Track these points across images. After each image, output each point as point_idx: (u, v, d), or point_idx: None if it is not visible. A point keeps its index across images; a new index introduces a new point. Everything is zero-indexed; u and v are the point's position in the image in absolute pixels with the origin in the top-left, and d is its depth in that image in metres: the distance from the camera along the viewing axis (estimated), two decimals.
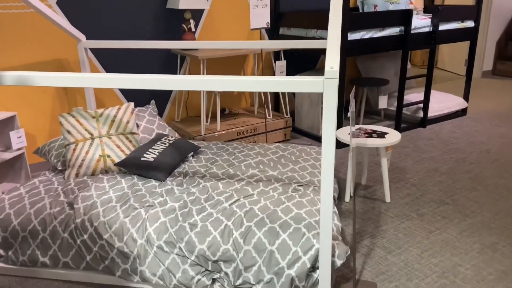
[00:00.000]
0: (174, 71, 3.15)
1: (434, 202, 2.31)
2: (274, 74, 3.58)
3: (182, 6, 2.79)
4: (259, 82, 1.30)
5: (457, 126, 3.57)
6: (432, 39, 3.35)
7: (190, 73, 3.22)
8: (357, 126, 2.43)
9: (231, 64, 3.40)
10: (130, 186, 1.86)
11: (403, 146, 3.16)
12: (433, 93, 3.94)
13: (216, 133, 2.95)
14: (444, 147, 3.11)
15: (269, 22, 2.87)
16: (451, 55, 5.85)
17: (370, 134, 2.30)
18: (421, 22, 3.27)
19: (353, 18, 2.88)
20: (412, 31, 3.23)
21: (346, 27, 2.86)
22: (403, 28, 3.17)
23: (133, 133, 2.14)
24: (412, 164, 2.83)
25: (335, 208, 1.81)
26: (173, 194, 1.79)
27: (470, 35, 3.63)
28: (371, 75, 3.97)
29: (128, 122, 2.14)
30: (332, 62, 1.28)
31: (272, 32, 3.55)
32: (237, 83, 1.31)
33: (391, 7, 3.77)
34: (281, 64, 3.10)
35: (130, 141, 2.11)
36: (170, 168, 1.98)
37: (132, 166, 1.94)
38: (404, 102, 3.69)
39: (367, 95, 4.09)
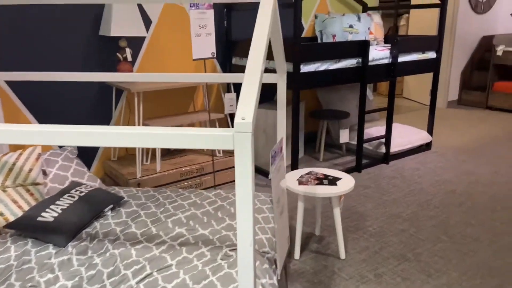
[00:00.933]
0: (109, 106, 2.81)
1: (394, 258, 2.03)
2: None
3: (114, 33, 2.49)
4: (141, 136, 0.99)
5: (421, 162, 3.36)
6: (392, 71, 3.16)
7: (128, 108, 2.90)
8: (307, 170, 2.15)
9: (179, 96, 3.10)
10: (19, 256, 1.48)
11: (364, 186, 2.90)
12: (396, 126, 3.74)
13: (155, 175, 2.61)
14: (407, 187, 2.87)
15: (215, 52, 2.60)
16: (417, 85, 5.77)
17: (321, 180, 2.01)
18: (379, 54, 3.09)
19: (306, 49, 2.65)
20: (370, 63, 3.03)
21: (299, 58, 2.62)
22: (360, 59, 2.97)
23: (36, 184, 1.78)
24: (373, 208, 2.56)
25: (275, 279, 1.50)
26: (68, 268, 1.43)
27: (432, 67, 3.47)
28: (332, 107, 3.75)
29: (30, 170, 1.78)
30: (245, 111, 0.99)
31: (225, 61, 3.30)
32: (101, 138, 0.99)
33: (351, 37, 3.60)
34: (230, 97, 2.82)
35: (32, 194, 1.75)
36: (76, 229, 1.62)
37: (26, 228, 1.57)
38: (366, 137, 3.46)
39: (328, 128, 3.86)
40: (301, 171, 2.13)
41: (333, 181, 2.01)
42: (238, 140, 0.97)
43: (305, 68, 2.69)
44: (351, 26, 3.60)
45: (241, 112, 0.98)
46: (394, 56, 3.14)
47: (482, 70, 5.45)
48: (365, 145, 3.46)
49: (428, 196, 2.73)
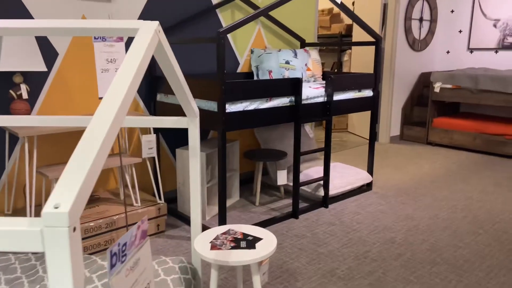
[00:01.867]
0: (2, 154, 2.40)
1: None
2: None
3: (4, 67, 2.13)
4: None
5: (361, 205, 3.17)
6: (328, 110, 3.00)
7: (29, 153, 2.49)
8: (225, 228, 1.85)
9: None
10: None
11: (299, 236, 2.65)
12: (336, 166, 3.57)
13: None
14: (345, 236, 2.65)
15: None
16: (360, 120, 5.75)
17: (238, 242, 1.72)
18: (314, 92, 2.92)
19: (232, 87, 2.42)
20: (304, 101, 2.86)
21: (223, 97, 2.38)
22: (293, 98, 2.79)
23: None
24: (306, 264, 2.29)
25: None
26: None
27: (369, 105, 3.37)
28: (271, 146, 3.53)
29: None
30: (64, 194, 0.69)
31: (148, 98, 3.00)
32: None
33: (287, 73, 3.44)
34: (149, 139, 2.51)
35: None
36: None
37: None
38: (305, 178, 3.25)
39: (267, 168, 3.62)
40: (218, 230, 1.83)
41: (252, 243, 1.72)
42: (48, 238, 0.66)
43: (231, 108, 2.45)
44: (287, 62, 3.45)
45: (55, 197, 0.68)
46: (329, 94, 2.99)
47: (422, 106, 5.53)
48: (304, 187, 3.24)
49: (366, 246, 2.52)
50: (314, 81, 3.63)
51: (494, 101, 4.62)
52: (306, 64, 3.56)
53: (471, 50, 5.47)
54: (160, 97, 2.93)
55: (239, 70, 3.56)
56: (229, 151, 3.25)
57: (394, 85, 5.29)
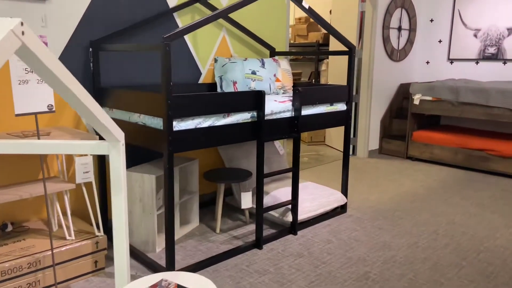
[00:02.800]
0: None
1: None
2: None
3: None
4: None
5: (334, 231, 2.86)
6: (295, 126, 2.70)
7: None
8: (158, 277, 1.51)
9: (21, 159, 2.37)
10: None
11: (261, 272, 2.31)
12: (307, 186, 3.25)
13: None
14: (312, 271, 2.32)
15: (53, 103, 1.95)
16: (338, 133, 5.48)
17: None
18: (279, 106, 2.61)
19: (180, 102, 2.08)
20: (269, 117, 2.54)
21: (170, 113, 2.04)
22: (255, 113, 2.47)
23: None
24: None
25: None
26: None
27: (342, 120, 3.08)
28: (236, 164, 3.20)
29: None
30: None
31: None
32: None
33: (253, 85, 3.13)
34: (84, 162, 2.16)
35: None
36: None
37: None
38: (273, 201, 2.92)
39: (232, 189, 3.28)
40: (148, 281, 1.48)
41: None
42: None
43: (180, 125, 2.12)
44: (253, 72, 3.15)
45: None
46: (296, 108, 2.69)
47: (402, 118, 5.30)
48: (271, 212, 2.91)
49: (336, 284, 2.19)
50: (283, 93, 3.33)
51: (476, 114, 4.41)
52: (275, 75, 3.26)
53: (451, 61, 5.28)
54: (105, 111, 2.57)
55: (201, 81, 3.23)
56: (187, 171, 2.90)
57: (373, 97, 5.04)
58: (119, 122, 2.42)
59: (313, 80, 6.63)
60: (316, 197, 3.05)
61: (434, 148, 4.74)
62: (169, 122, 2.04)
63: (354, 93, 5.06)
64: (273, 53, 3.60)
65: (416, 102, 4.83)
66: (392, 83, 5.29)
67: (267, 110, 2.53)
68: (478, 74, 5.06)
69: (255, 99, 2.43)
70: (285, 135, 2.64)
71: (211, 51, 3.26)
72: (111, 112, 2.51)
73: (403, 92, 5.45)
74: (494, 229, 2.93)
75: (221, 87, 3.17)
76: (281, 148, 3.55)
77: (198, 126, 2.20)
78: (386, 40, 5.00)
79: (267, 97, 2.78)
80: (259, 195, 2.55)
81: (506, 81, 4.77)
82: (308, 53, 3.31)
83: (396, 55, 5.21)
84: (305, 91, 2.72)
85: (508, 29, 4.72)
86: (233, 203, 3.34)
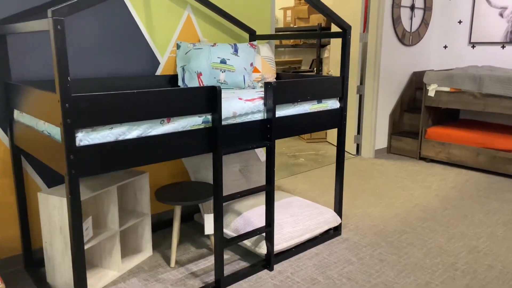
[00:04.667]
0: None
1: None
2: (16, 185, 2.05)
3: None
4: None
5: (322, 265, 2.24)
6: (268, 132, 2.06)
7: None
8: None
9: None
10: None
11: None
12: (292, 204, 2.61)
13: None
14: None
15: None
16: None
17: None
18: (245, 106, 1.98)
19: (85, 105, 1.46)
20: (231, 121, 1.91)
21: (70, 122, 1.43)
22: (209, 117, 1.84)
23: None
24: None
25: None
26: None
27: (334, 121, 2.43)
28: (203, 176, 2.59)
29: None
30: None
31: (5, 115, 2.05)
32: None
33: (223, 76, 2.50)
34: None
35: None
36: None
37: None
38: (244, 225, 2.31)
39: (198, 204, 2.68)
40: None
41: None
42: None
43: (90, 138, 1.50)
44: (223, 61, 2.51)
45: None
46: (269, 108, 2.05)
47: (414, 112, 4.59)
48: (245, 241, 2.29)
49: None
50: (261, 86, 2.69)
51: (502, 108, 3.68)
52: (251, 64, 2.62)
53: (473, 45, 4.52)
54: (16, 114, 1.98)
55: (159, 72, 2.61)
56: (135, 187, 2.30)
57: (380, 87, 4.35)
58: (26, 131, 1.83)
59: (315, 69, 5.94)
60: (301, 218, 2.41)
61: (452, 148, 4.04)
62: (68, 133, 1.43)
63: (358, 83, 4.37)
64: (253, 36, 2.95)
65: (431, 93, 4.11)
66: (403, 71, 4.58)
67: (228, 111, 1.90)
68: (505, 60, 4.30)
69: (208, 98, 1.80)
70: (253, 145, 2.01)
71: (172, 35, 2.63)
72: (21, 116, 1.91)
73: (416, 81, 4.72)
74: None
75: (183, 80, 2.55)
76: (263, 154, 2.92)
77: (120, 138, 1.58)
78: (396, 21, 4.28)
79: (232, 94, 2.15)
80: (217, 224, 1.94)
81: None
82: (295, 36, 2.64)
83: (408, 38, 4.48)
84: (280, 85, 2.07)
85: None
86: (200, 221, 2.74)
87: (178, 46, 2.59)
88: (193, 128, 1.79)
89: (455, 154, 4.02)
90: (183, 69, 2.55)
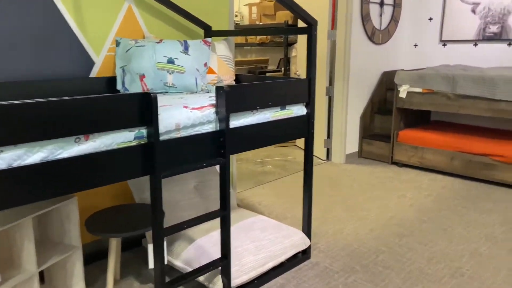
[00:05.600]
0: None
1: None
2: None
3: None
4: None
5: None
6: (222, 147, 1.71)
7: None
8: None
9: None
10: None
11: None
12: (254, 226, 2.26)
13: None
14: None
15: None
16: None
17: None
18: (192, 116, 1.62)
19: None
20: (174, 134, 1.55)
21: None
22: (144, 131, 1.47)
23: None
24: None
25: None
26: None
27: (300, 130, 2.11)
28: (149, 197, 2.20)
29: None
30: None
31: None
32: None
33: (171, 79, 2.13)
34: None
35: None
36: None
37: None
38: (197, 255, 1.95)
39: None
40: None
41: None
42: None
43: None
44: (170, 61, 2.14)
45: None
46: (221, 118, 1.70)
47: (386, 114, 4.36)
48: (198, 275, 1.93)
49: None
50: (208, 92, 2.33)
51: (477, 110, 3.49)
52: (205, 64, 2.26)
53: (444, 43, 4.34)
54: None
55: (94, 74, 2.20)
56: (62, 215, 1.90)
57: (350, 88, 4.09)
58: None
59: (282, 69, 5.64)
60: (264, 244, 2.08)
61: (425, 152, 3.83)
62: None
63: (327, 84, 4.10)
64: (209, 32, 2.59)
65: (403, 94, 3.89)
66: (373, 71, 4.34)
67: (170, 123, 1.54)
68: (478, 58, 4.14)
69: (141, 107, 1.43)
70: (202, 163, 1.65)
71: (109, 30, 2.23)
72: None
73: (387, 82, 4.50)
74: None
75: (123, 83, 2.16)
76: None
77: (16, 164, 1.19)
78: (365, 18, 4.03)
79: (180, 100, 1.78)
80: (157, 264, 1.57)
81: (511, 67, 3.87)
82: (254, 33, 2.30)
83: (378, 36, 4.25)
84: (235, 90, 1.73)
85: None
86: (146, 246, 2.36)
87: (117, 43, 2.20)
88: (121, 147, 1.41)
89: (428, 158, 3.81)
90: (123, 70, 2.16)
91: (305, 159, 2.17)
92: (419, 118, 4.36)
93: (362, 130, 4.32)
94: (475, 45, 4.13)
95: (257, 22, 5.80)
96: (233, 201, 2.53)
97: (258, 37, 5.66)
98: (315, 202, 3.09)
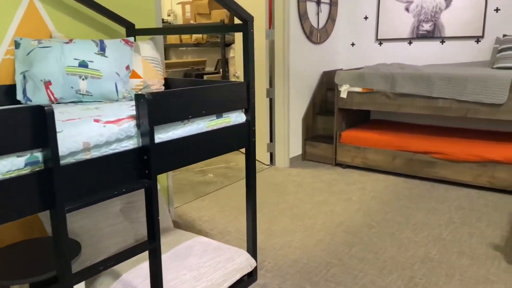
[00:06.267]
0: None
1: None
2: None
3: None
4: None
5: None
6: (146, 167, 1.43)
7: None
8: None
9: None
10: None
11: None
12: (193, 250, 1.98)
13: None
14: None
15: None
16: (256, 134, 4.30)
17: None
18: (105, 132, 1.32)
19: None
20: (82, 156, 1.25)
21: None
22: (39, 155, 1.16)
23: None
24: None
25: None
26: None
27: (240, 140, 1.88)
28: (69, 230, 1.85)
29: None
30: None
31: None
32: None
33: (84, 86, 1.80)
34: None
35: None
36: None
37: None
38: None
39: None
40: None
41: None
42: None
43: None
44: (83, 64, 1.81)
45: None
46: (144, 132, 1.42)
47: (327, 115, 4.29)
48: None
49: None
50: (130, 101, 2.04)
51: (416, 108, 3.50)
52: (127, 67, 1.95)
53: (380, 42, 4.36)
54: None
55: None
56: None
57: (291, 89, 3.95)
58: None
59: (220, 71, 5.39)
60: (204, 272, 1.82)
61: (367, 152, 3.79)
62: None
63: (268, 86, 3.92)
64: (132, 31, 2.27)
65: (344, 94, 3.82)
66: (313, 71, 4.24)
67: (76, 142, 1.24)
68: (413, 56, 4.19)
69: (33, 124, 1.11)
70: (122, 189, 1.36)
71: (5, 28, 1.85)
72: None
73: (327, 82, 4.43)
74: (473, 286, 1.96)
75: (24, 92, 1.79)
76: None
77: None
78: (303, 16, 3.91)
79: (94, 112, 1.47)
80: None
81: (445, 64, 3.96)
82: (184, 31, 2.02)
83: (316, 35, 4.15)
84: (160, 98, 1.45)
85: (445, 0, 3.88)
86: None
87: (16, 45, 1.83)
88: (8, 177, 1.09)
89: (371, 158, 3.78)
90: (25, 77, 1.79)
91: (246, 172, 1.94)
92: (360, 117, 4.33)
93: (305, 132, 4.20)
94: (410, 43, 4.17)
95: (192, 22, 5.51)
96: (168, 221, 2.24)
97: (194, 37, 5.37)
98: (260, 213, 2.89)
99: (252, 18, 1.82)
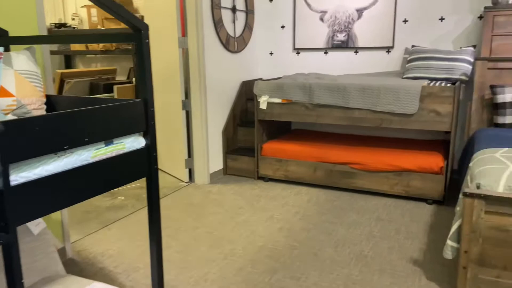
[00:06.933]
0: None
1: None
2: None
3: None
4: None
5: None
6: (1, 218, 1.11)
7: None
8: None
9: None
10: None
11: None
12: None
13: None
14: None
15: None
16: (168, 148, 4.00)
17: None
18: None
19: None
20: None
21: None
22: None
23: None
24: None
25: None
26: None
27: (139, 169, 1.60)
28: None
29: None
30: None
31: None
32: None
33: None
34: None
35: None
36: None
37: None
38: None
39: None
40: None
41: None
42: None
43: None
44: None
45: None
46: None
47: (248, 126, 4.13)
48: None
49: None
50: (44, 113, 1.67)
51: (334, 119, 3.47)
52: None
53: (298, 51, 4.32)
54: None
55: None
56: None
57: (208, 101, 3.72)
58: None
59: (133, 79, 4.99)
60: None
61: (289, 165, 3.69)
62: None
63: (183, 97, 3.65)
64: (4, 40, 1.88)
65: (263, 106, 3.68)
66: (232, 81, 4.06)
67: None
68: (329, 66, 4.21)
69: None
70: None
71: None
72: None
73: (247, 92, 4.28)
74: None
75: None
76: (37, 221, 1.89)
77: None
78: (218, 24, 3.71)
79: None
80: None
81: (359, 74, 4.01)
82: (66, 41, 1.68)
83: (233, 44, 3.98)
84: (19, 126, 1.13)
85: (357, 11, 3.93)
86: None
87: None
88: None
89: (293, 170, 3.68)
90: None
91: (149, 204, 1.67)
92: (281, 128, 4.24)
93: (225, 145, 3.99)
94: (326, 53, 4.18)
95: (99, 27, 5.03)
96: (56, 266, 1.87)
97: (101, 44, 4.90)
98: (175, 241, 2.61)
99: (146, 26, 1.56)
